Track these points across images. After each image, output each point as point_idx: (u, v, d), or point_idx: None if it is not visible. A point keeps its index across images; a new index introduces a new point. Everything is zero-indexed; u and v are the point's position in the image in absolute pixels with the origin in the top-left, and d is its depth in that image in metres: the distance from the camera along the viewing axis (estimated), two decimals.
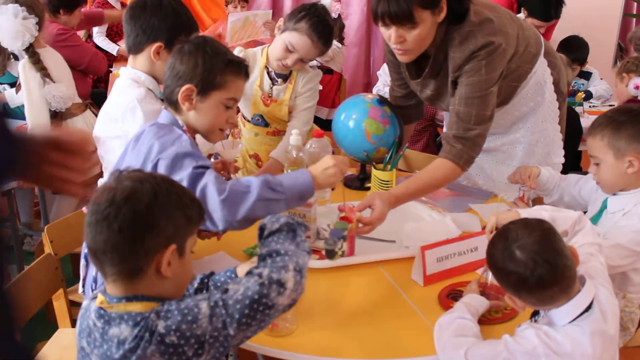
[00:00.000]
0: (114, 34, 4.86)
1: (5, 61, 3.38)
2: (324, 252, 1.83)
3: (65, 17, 3.81)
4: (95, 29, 4.73)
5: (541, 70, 2.38)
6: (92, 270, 1.97)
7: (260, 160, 2.71)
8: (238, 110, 2.63)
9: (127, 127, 2.03)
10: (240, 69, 1.86)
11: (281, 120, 2.62)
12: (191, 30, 2.14)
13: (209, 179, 1.67)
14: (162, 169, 1.72)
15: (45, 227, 2.34)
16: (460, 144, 2.12)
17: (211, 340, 1.23)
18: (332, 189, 2.37)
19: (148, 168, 1.74)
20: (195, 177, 1.68)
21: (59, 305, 2.27)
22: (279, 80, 2.59)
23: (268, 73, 2.59)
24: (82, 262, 2.04)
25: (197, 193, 1.65)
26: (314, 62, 4.48)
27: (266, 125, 2.65)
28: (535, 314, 1.60)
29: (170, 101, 1.86)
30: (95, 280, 1.95)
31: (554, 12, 4.02)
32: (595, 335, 1.43)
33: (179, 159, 1.72)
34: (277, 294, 1.26)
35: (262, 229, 1.44)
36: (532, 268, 1.40)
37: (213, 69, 1.80)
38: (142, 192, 1.23)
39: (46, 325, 2.63)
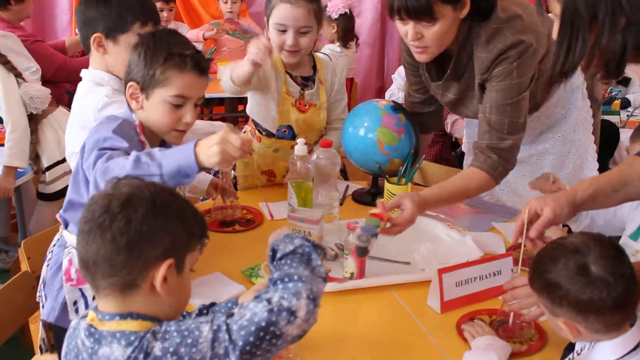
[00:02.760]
0: None
1: None
2: (354, 250, 1.85)
3: (17, 6, 3.75)
4: None
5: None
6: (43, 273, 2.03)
7: (274, 176, 2.67)
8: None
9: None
10: (184, 61, 1.84)
11: (315, 127, 2.57)
12: (137, 16, 2.12)
13: (103, 159, 1.68)
14: (86, 149, 1.77)
15: (22, 242, 2.34)
16: (495, 155, 2.14)
17: None
18: (341, 204, 2.38)
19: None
20: (96, 158, 1.69)
21: (36, 329, 2.27)
22: (309, 83, 2.56)
23: (293, 78, 2.54)
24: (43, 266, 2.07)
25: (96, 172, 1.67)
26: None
27: (293, 137, 2.55)
28: (568, 352, 1.56)
29: (126, 99, 1.91)
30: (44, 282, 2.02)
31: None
32: None
33: (96, 144, 1.74)
34: (287, 323, 1.24)
35: (274, 250, 1.42)
36: (612, 285, 1.37)
37: (152, 63, 1.82)
38: (140, 200, 1.24)
39: (20, 351, 2.64)
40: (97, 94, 2.07)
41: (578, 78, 2.43)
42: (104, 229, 1.22)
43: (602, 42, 1.40)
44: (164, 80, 1.83)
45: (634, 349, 1.44)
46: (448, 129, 4.11)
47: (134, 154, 1.64)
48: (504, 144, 2.14)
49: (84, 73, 2.18)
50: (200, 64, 1.87)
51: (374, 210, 1.93)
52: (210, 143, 1.63)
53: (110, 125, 1.80)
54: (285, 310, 1.24)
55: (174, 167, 1.63)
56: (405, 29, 2.08)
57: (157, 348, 1.21)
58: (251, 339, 1.22)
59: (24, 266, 2.31)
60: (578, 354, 1.51)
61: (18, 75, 3.07)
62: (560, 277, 1.42)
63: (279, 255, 1.39)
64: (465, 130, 2.80)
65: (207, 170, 2.18)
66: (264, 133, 2.57)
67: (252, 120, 2.58)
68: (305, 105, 2.51)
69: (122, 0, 2.13)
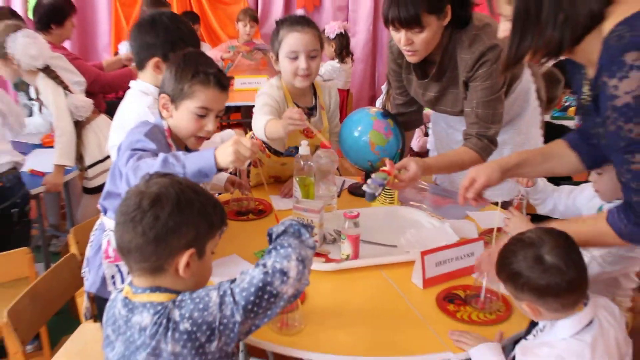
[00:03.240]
0: None
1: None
2: (365, 196, 1.96)
3: (58, 30, 3.79)
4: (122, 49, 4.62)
5: (526, 77, 2.45)
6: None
7: (280, 180, 2.64)
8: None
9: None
10: (208, 78, 1.85)
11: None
12: (187, 43, 2.13)
13: (134, 158, 1.70)
14: (121, 149, 1.79)
15: (72, 229, 2.35)
16: (486, 140, 2.23)
17: (221, 327, 1.24)
18: (338, 196, 2.38)
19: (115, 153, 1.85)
20: (129, 157, 1.71)
21: (81, 302, 2.28)
22: (313, 112, 2.50)
23: (299, 107, 2.42)
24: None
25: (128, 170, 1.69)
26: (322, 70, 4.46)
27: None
28: (532, 326, 1.57)
29: (159, 109, 1.93)
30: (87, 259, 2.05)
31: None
32: (597, 348, 1.42)
33: (130, 145, 1.76)
34: (281, 282, 1.27)
35: (269, 234, 1.44)
36: (564, 271, 1.39)
37: (182, 79, 1.84)
38: (167, 199, 1.25)
39: (70, 320, 2.64)
40: (141, 103, 2.08)
41: (530, 82, 2.47)
42: (135, 223, 1.24)
43: (546, 36, 1.41)
44: (190, 94, 1.85)
45: (588, 324, 1.45)
46: (416, 149, 4.02)
47: (162, 155, 1.66)
48: (490, 132, 2.23)
49: (132, 83, 2.19)
50: (221, 81, 1.89)
51: (383, 168, 2.00)
52: (226, 145, 1.66)
53: (142, 129, 1.82)
54: (279, 272, 1.27)
55: (195, 168, 1.65)
56: (399, 36, 2.13)
57: (176, 314, 1.24)
58: (251, 298, 1.24)
59: (73, 249, 2.32)
60: (541, 331, 1.52)
61: (66, 88, 3.07)
62: (521, 267, 1.43)
63: (274, 236, 1.41)
64: (432, 126, 2.79)
65: (225, 170, 2.18)
66: (272, 151, 2.54)
67: (262, 141, 2.49)
68: (312, 132, 2.39)
69: (176, 29, 2.15)
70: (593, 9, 1.37)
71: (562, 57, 1.51)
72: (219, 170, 1.69)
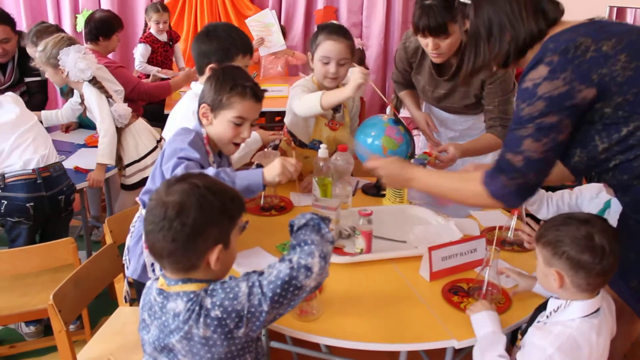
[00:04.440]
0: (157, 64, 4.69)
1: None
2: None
3: (105, 42, 3.81)
4: (137, 58, 4.58)
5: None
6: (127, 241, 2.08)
7: (302, 176, 2.58)
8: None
9: None
10: (245, 91, 1.86)
11: (341, 143, 2.50)
12: (239, 50, 2.20)
13: (181, 167, 1.72)
14: (165, 154, 1.83)
15: (106, 219, 2.36)
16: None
17: (249, 315, 1.23)
18: (353, 195, 2.37)
19: (160, 158, 1.87)
20: (175, 165, 1.74)
21: (120, 287, 2.28)
22: (338, 107, 2.52)
23: None
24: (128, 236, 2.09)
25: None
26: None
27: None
28: (537, 313, 1.56)
29: (198, 117, 1.94)
30: (128, 248, 2.06)
31: None
32: (601, 332, 1.44)
33: (174, 153, 1.79)
34: (305, 277, 1.26)
35: (291, 225, 1.43)
36: (607, 255, 1.40)
37: (221, 91, 1.85)
38: (190, 206, 1.23)
39: (109, 303, 2.65)
40: (189, 105, 2.15)
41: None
42: (165, 233, 1.23)
43: (494, 51, 1.55)
44: (229, 105, 1.86)
45: (595, 311, 1.45)
46: None
47: (213, 169, 1.71)
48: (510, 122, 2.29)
49: (192, 85, 2.28)
50: (257, 93, 1.90)
51: (425, 150, 2.11)
52: (274, 164, 1.75)
53: (186, 138, 1.82)
54: (303, 267, 1.27)
55: (244, 185, 1.72)
56: (426, 42, 2.23)
57: (207, 302, 1.23)
58: (278, 290, 1.24)
59: (108, 237, 2.32)
60: (555, 311, 1.50)
61: (109, 96, 3.07)
62: (569, 237, 1.42)
63: (295, 228, 1.40)
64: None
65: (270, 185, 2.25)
66: (297, 143, 2.54)
67: (289, 132, 2.54)
68: (336, 125, 2.50)
69: (229, 37, 2.21)
70: (533, 31, 1.51)
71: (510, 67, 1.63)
72: (264, 186, 1.78)
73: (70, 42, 2.99)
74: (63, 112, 3.44)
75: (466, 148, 2.34)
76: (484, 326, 1.53)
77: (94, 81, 3.04)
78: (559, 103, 1.42)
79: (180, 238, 1.23)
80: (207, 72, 2.15)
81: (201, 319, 1.22)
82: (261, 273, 1.27)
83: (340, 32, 2.37)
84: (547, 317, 1.51)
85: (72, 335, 1.87)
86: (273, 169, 1.77)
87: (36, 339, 2.76)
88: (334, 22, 2.53)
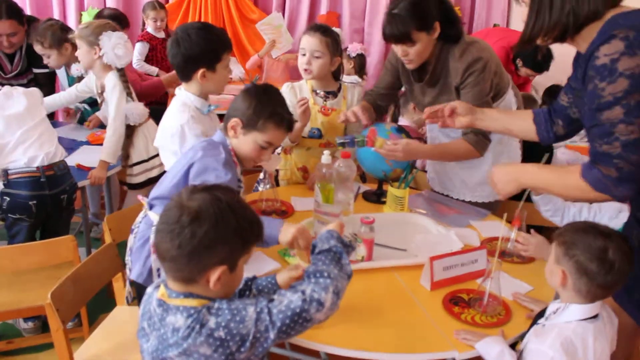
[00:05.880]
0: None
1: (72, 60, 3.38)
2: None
3: None
4: (135, 56, 4.46)
5: (509, 96, 2.46)
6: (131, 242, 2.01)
7: (308, 172, 2.64)
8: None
9: (176, 148, 2.05)
10: (282, 121, 1.85)
11: (337, 128, 2.58)
12: (225, 48, 2.12)
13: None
14: (193, 171, 1.78)
15: (106, 217, 2.32)
16: (480, 135, 2.30)
17: (253, 340, 1.19)
18: (354, 200, 2.34)
19: (185, 165, 1.81)
20: None
21: (118, 287, 2.25)
22: (330, 95, 2.59)
23: (317, 94, 2.59)
24: (130, 236, 2.03)
25: None
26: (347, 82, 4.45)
27: (320, 137, 2.59)
28: (539, 315, 1.56)
29: (225, 126, 1.89)
30: (131, 249, 1.99)
31: (545, 65, 3.98)
32: (598, 338, 1.43)
33: (206, 170, 1.77)
34: (316, 311, 1.22)
35: (314, 245, 1.37)
36: (613, 271, 1.39)
37: (260, 114, 1.82)
38: (206, 217, 1.18)
39: (107, 301, 2.61)
40: (182, 115, 2.06)
41: (513, 102, 2.47)
42: (173, 236, 1.18)
43: (554, 20, 1.50)
44: (263, 129, 1.84)
45: (594, 317, 1.45)
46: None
47: None
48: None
49: (177, 91, 2.17)
50: (291, 125, 1.90)
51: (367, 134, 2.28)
52: (291, 229, 1.65)
53: (219, 157, 1.80)
54: (315, 301, 1.22)
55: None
56: (397, 49, 2.28)
57: (211, 322, 1.18)
58: (287, 321, 1.20)
59: (107, 236, 2.29)
60: (554, 313, 1.50)
61: (129, 94, 3.04)
62: (584, 244, 1.42)
63: (317, 250, 1.35)
64: (428, 133, 2.73)
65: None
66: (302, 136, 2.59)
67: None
68: (329, 110, 2.56)
69: (211, 37, 2.09)
70: (594, 7, 1.46)
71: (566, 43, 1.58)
72: (278, 242, 1.69)
73: (114, 29, 2.99)
74: (65, 93, 3.41)
75: (424, 149, 2.38)
76: (492, 348, 1.50)
77: (122, 73, 3.01)
78: None
79: (187, 247, 1.18)
80: (199, 79, 2.08)
81: (202, 338, 1.17)
82: (271, 300, 1.23)
83: (317, 29, 2.48)
84: (546, 319, 1.51)
85: (70, 333, 1.84)
86: (287, 234, 1.65)
87: (34, 335, 2.73)
88: (318, 23, 2.64)
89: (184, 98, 2.12)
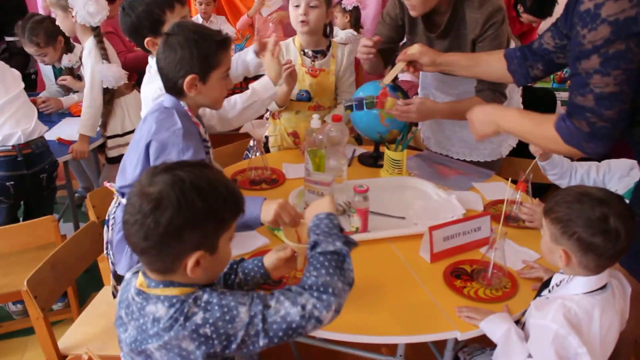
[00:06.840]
0: None
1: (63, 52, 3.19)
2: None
3: (110, 6, 3.56)
4: None
5: (517, 96, 2.43)
6: (108, 235, 1.88)
7: (299, 137, 2.49)
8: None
9: None
10: (227, 43, 1.69)
11: (327, 90, 2.43)
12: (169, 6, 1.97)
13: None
14: (152, 150, 1.64)
15: (88, 194, 2.19)
16: (497, 92, 2.12)
17: (240, 343, 1.08)
18: (349, 165, 2.22)
19: (143, 146, 1.65)
20: None
21: (104, 266, 2.14)
22: (318, 55, 2.42)
23: (305, 54, 2.42)
24: (104, 228, 1.90)
25: None
26: (342, 36, 4.26)
27: (309, 99, 2.43)
28: (544, 287, 1.44)
29: (173, 89, 1.69)
30: (110, 242, 1.86)
31: (548, 10, 3.73)
32: (606, 310, 1.32)
33: (166, 148, 1.62)
34: (312, 328, 1.11)
35: (316, 242, 1.21)
36: (621, 239, 1.26)
37: (207, 54, 1.64)
38: (167, 203, 1.05)
39: (99, 278, 2.51)
40: (155, 85, 1.89)
41: (519, 99, 2.44)
42: (138, 227, 1.06)
43: None
44: (217, 63, 1.66)
45: (600, 288, 1.33)
46: None
47: None
48: (502, 87, 2.13)
49: (150, 60, 2.02)
50: (230, 41, 1.73)
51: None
52: (272, 206, 1.47)
53: (173, 126, 1.63)
54: (315, 319, 1.10)
55: (240, 221, 1.37)
56: None
57: (198, 316, 1.07)
58: (280, 333, 1.09)
59: (91, 213, 2.17)
60: (557, 285, 1.38)
61: (104, 56, 2.85)
62: (582, 218, 1.27)
63: (319, 249, 1.19)
64: (420, 91, 2.58)
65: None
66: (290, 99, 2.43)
67: None
68: (317, 71, 2.40)
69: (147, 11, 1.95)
70: None
71: None
72: (261, 224, 1.51)
73: None
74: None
75: (441, 108, 2.17)
76: (498, 327, 1.38)
77: (98, 35, 2.83)
78: (626, 28, 1.26)
79: (153, 238, 1.05)
80: (149, 47, 1.96)
81: (186, 332, 1.06)
82: (266, 305, 1.10)
83: None
84: (550, 291, 1.39)
85: (58, 314, 1.74)
86: (268, 211, 1.48)
87: (23, 317, 2.63)
88: None
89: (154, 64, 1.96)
